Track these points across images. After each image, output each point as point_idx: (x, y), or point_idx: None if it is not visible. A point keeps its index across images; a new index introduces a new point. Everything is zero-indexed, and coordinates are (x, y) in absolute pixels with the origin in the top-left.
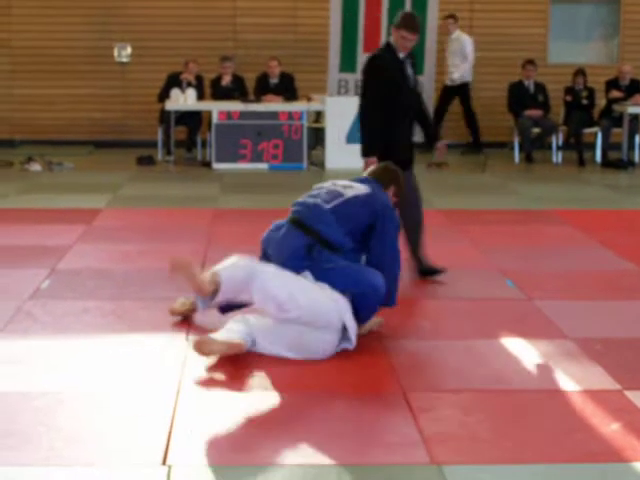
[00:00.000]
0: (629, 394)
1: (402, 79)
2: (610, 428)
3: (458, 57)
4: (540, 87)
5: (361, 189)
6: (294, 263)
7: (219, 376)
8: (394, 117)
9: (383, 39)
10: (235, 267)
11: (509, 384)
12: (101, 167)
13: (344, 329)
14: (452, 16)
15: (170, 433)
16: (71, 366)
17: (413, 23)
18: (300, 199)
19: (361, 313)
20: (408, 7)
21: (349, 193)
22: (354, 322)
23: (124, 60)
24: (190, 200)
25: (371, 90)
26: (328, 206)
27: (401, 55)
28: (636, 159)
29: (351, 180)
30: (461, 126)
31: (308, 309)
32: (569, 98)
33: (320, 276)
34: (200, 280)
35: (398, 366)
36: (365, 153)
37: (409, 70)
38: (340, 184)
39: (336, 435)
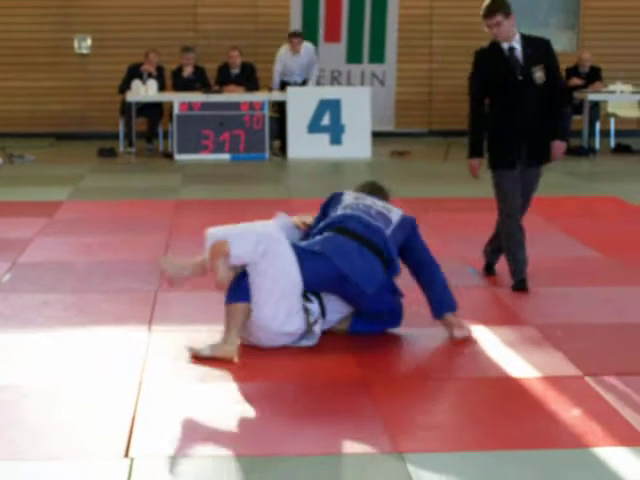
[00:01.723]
0: (590, 380)
1: (507, 70)
2: (571, 414)
3: None
4: None
5: (396, 211)
6: (371, 283)
7: (181, 368)
8: (500, 112)
9: (344, 29)
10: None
11: (472, 372)
12: (62, 159)
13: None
14: None
15: (132, 425)
16: (32, 360)
17: (487, 8)
18: (347, 212)
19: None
20: None
21: (394, 218)
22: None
23: (84, 52)
24: (152, 191)
25: (471, 88)
26: (388, 232)
27: (506, 45)
28: (597, 146)
29: (368, 196)
30: (423, 115)
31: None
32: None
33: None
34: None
35: (360, 355)
36: (468, 155)
37: (520, 59)
38: (379, 204)
39: (298, 424)
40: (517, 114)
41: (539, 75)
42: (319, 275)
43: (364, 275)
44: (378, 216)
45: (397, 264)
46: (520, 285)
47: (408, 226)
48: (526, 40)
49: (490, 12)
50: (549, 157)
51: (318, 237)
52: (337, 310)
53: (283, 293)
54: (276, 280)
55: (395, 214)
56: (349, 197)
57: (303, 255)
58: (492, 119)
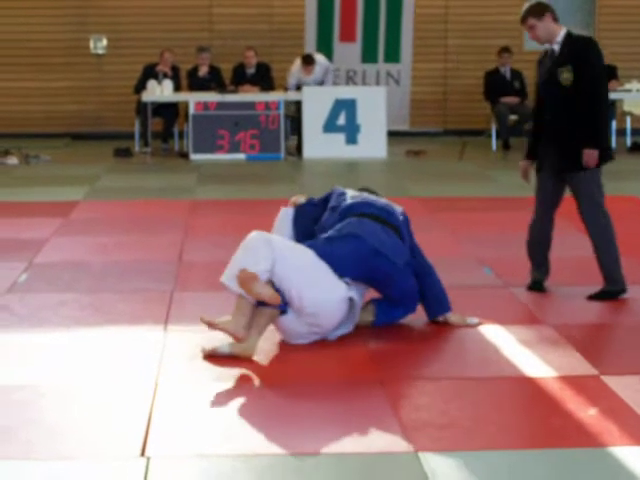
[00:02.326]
0: (606, 379)
1: (541, 72)
2: (587, 413)
3: None
4: (516, 74)
5: (397, 206)
6: (400, 258)
7: (197, 367)
8: (538, 114)
9: (359, 29)
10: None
11: (487, 371)
12: (78, 159)
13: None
14: None
15: (149, 425)
16: (49, 359)
17: (524, 12)
18: (357, 200)
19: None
20: None
21: (397, 211)
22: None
23: (100, 52)
24: (167, 191)
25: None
26: (399, 218)
27: (548, 46)
28: (613, 145)
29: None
30: (438, 114)
31: (317, 315)
32: None
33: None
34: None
35: (376, 355)
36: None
37: (553, 59)
38: (382, 200)
39: (315, 424)
40: (547, 116)
41: (566, 76)
42: (354, 254)
43: (393, 249)
44: (387, 206)
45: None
46: (534, 286)
47: (407, 221)
48: (567, 39)
49: (522, 18)
50: (581, 164)
51: (339, 225)
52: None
53: (313, 272)
54: (299, 267)
55: (397, 208)
56: (351, 192)
57: (334, 241)
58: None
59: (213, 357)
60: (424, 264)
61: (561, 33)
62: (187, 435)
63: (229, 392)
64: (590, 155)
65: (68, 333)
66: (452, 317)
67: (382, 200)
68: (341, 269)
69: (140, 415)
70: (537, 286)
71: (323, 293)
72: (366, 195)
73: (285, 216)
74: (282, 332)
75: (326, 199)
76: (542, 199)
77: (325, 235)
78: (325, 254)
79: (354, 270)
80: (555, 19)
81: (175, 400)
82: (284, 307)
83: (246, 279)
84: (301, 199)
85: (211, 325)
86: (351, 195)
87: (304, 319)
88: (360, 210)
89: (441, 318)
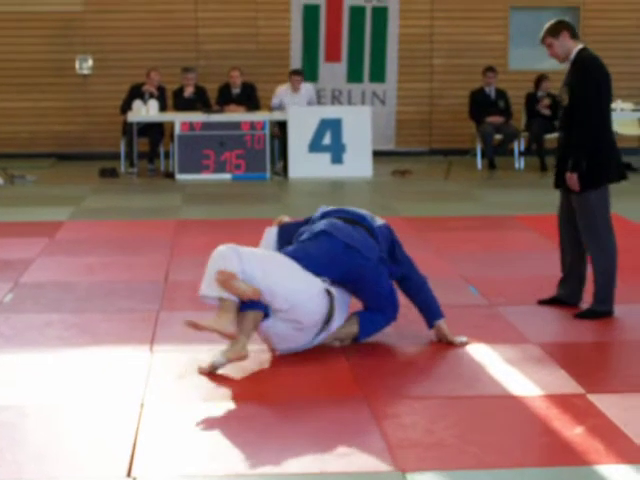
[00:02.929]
0: (592, 397)
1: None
2: (574, 432)
3: None
4: (501, 94)
5: (377, 218)
6: (372, 253)
7: (182, 388)
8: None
9: (344, 49)
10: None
11: (474, 390)
12: (64, 179)
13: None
14: None
15: (135, 445)
16: (34, 380)
17: (543, 31)
18: (331, 210)
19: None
20: (368, 17)
21: (377, 222)
22: (341, 321)
23: (85, 72)
24: (153, 212)
25: None
26: (375, 225)
27: (565, 64)
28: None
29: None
30: (424, 134)
31: (293, 309)
32: (546, 104)
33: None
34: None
35: (361, 372)
36: None
37: (566, 80)
38: (361, 211)
39: (301, 443)
40: (559, 135)
41: (564, 97)
42: (328, 251)
43: (363, 244)
44: (358, 212)
45: (386, 260)
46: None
47: (391, 233)
48: (576, 58)
49: (541, 37)
50: (582, 185)
51: (313, 226)
52: (342, 310)
53: (282, 270)
54: (266, 268)
55: (378, 220)
56: (330, 207)
57: (306, 242)
58: None
59: (197, 376)
60: (417, 278)
61: (574, 51)
62: (173, 455)
63: (215, 412)
64: (570, 178)
65: (54, 353)
66: (443, 324)
67: (361, 211)
68: (316, 267)
69: (126, 436)
70: (552, 301)
71: (294, 287)
72: (344, 208)
73: (269, 235)
74: (269, 339)
75: (309, 219)
76: (558, 214)
77: (301, 237)
78: (298, 256)
79: (329, 267)
80: (574, 36)
81: (161, 420)
82: (263, 307)
83: (226, 278)
84: (285, 218)
85: (197, 327)
86: (329, 210)
87: (282, 316)
88: (333, 215)
89: (436, 325)
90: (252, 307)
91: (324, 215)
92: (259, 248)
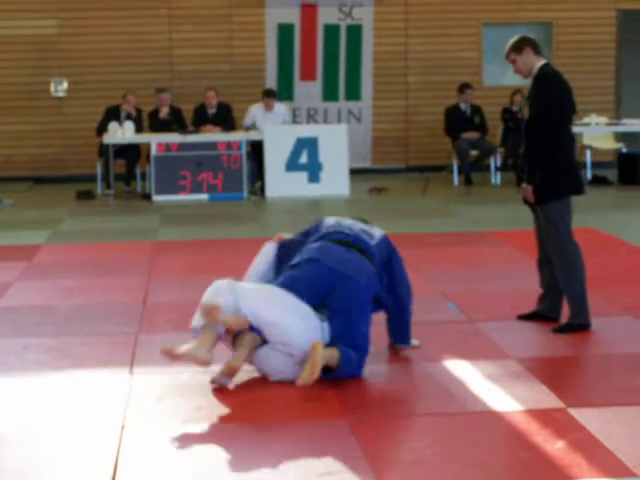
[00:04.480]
0: (572, 411)
1: None
2: (555, 446)
3: None
4: (476, 109)
5: (378, 230)
6: (361, 276)
7: (163, 410)
8: None
9: (319, 68)
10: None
11: (454, 407)
12: (40, 203)
13: None
14: None
15: (115, 468)
16: (13, 405)
17: (507, 47)
18: (329, 230)
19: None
20: (343, 36)
21: (377, 234)
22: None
23: (60, 95)
24: (130, 233)
25: None
26: (372, 242)
27: (529, 80)
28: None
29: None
30: (400, 151)
31: (289, 342)
32: (510, 123)
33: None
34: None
35: (342, 393)
36: None
37: (528, 94)
38: (361, 224)
39: (283, 464)
40: (520, 150)
41: (524, 111)
42: (316, 277)
43: (352, 267)
44: (361, 232)
45: (383, 276)
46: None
47: (389, 243)
48: (537, 73)
49: (505, 53)
50: (539, 198)
51: (305, 249)
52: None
53: (270, 295)
54: (257, 296)
55: (377, 232)
56: (331, 219)
57: (298, 267)
58: None
59: (178, 399)
60: (398, 296)
61: (537, 66)
62: (154, 477)
63: (195, 434)
64: (524, 189)
65: (32, 378)
66: (404, 348)
67: (359, 225)
68: (298, 291)
69: (107, 459)
70: (532, 316)
71: (290, 320)
72: (344, 223)
73: (267, 251)
74: (263, 368)
75: (308, 232)
76: (535, 229)
77: (293, 261)
78: (284, 283)
79: (309, 290)
80: (537, 52)
81: (141, 443)
82: (258, 330)
83: (210, 310)
84: (285, 235)
85: (172, 355)
86: (328, 225)
87: (278, 347)
88: (328, 236)
89: (397, 347)
90: (251, 330)
91: (320, 237)
92: (255, 266)
